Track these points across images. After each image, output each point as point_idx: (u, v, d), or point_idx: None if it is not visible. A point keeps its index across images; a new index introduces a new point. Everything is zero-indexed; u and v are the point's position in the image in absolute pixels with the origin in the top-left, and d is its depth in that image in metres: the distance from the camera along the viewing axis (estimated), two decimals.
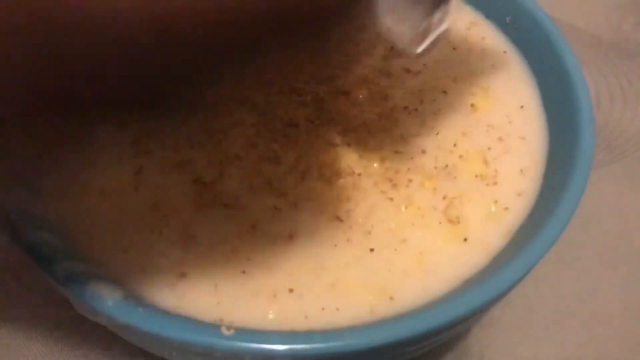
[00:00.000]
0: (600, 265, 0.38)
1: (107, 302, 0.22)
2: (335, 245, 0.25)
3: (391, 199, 0.27)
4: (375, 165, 0.28)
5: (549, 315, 0.36)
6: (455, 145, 0.29)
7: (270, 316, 0.24)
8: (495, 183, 0.28)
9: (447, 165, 0.28)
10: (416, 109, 0.30)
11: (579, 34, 0.51)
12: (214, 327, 0.22)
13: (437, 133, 0.29)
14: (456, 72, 0.32)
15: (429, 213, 0.27)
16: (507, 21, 0.33)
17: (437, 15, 0.23)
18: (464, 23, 0.34)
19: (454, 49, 0.33)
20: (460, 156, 0.28)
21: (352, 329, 0.23)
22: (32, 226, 0.24)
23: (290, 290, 0.24)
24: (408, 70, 0.31)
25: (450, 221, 0.26)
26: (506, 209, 0.27)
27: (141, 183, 0.27)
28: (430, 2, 0.24)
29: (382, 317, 0.24)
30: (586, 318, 0.36)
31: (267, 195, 0.27)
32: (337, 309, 0.24)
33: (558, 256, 0.38)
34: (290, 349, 0.21)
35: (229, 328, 0.21)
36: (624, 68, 0.48)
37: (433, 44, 0.25)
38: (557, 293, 0.36)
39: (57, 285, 0.23)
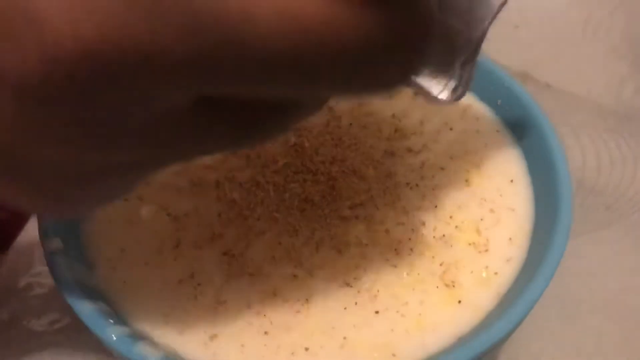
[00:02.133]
0: (602, 321, 0.40)
1: None
2: (345, 309, 0.29)
3: (395, 266, 0.31)
4: (380, 236, 0.32)
5: None
6: (451, 217, 0.33)
7: None
8: (486, 250, 0.31)
9: (444, 235, 0.32)
10: (417, 185, 0.34)
11: (580, 101, 0.55)
12: None
13: (435, 206, 0.33)
14: (452, 150, 0.36)
15: (428, 278, 0.30)
16: (498, 103, 0.37)
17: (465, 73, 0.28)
18: (460, 105, 0.38)
19: (450, 129, 0.37)
20: (456, 227, 0.32)
21: None
22: (88, 296, 0.28)
23: (306, 349, 0.28)
24: (410, 150, 0.36)
25: (447, 285, 0.30)
26: (496, 273, 0.30)
27: (179, 255, 0.31)
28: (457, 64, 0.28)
29: None
30: None
31: (286, 265, 0.31)
32: None
33: (562, 313, 0.40)
34: None
35: None
36: (623, 133, 0.52)
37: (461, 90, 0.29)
38: (561, 348, 0.39)
39: (109, 346, 0.27)
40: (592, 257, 0.43)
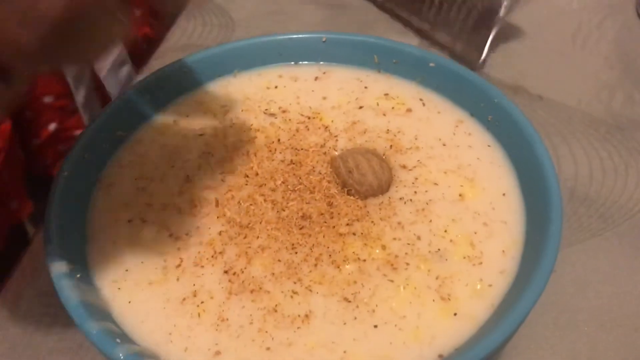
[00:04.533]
0: (596, 328, 0.41)
1: None
2: (345, 323, 0.30)
3: (392, 281, 0.32)
4: (377, 251, 0.33)
5: None
6: (446, 231, 0.34)
7: None
8: (480, 263, 0.32)
9: (439, 249, 0.33)
10: (411, 200, 0.35)
11: (571, 112, 0.56)
12: None
13: (430, 220, 0.34)
14: (446, 165, 0.37)
15: (424, 292, 0.31)
16: (489, 119, 0.38)
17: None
18: (452, 121, 0.39)
19: (444, 145, 0.38)
20: (451, 240, 0.33)
21: None
22: (94, 316, 0.29)
23: None
24: (404, 167, 0.37)
25: (443, 298, 0.31)
26: (490, 285, 0.31)
27: (182, 274, 0.32)
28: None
29: None
30: None
31: (286, 281, 0.32)
32: None
33: (558, 320, 0.41)
34: None
35: None
36: (614, 142, 0.53)
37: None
38: (557, 356, 0.40)
39: None
40: (586, 264, 0.44)
